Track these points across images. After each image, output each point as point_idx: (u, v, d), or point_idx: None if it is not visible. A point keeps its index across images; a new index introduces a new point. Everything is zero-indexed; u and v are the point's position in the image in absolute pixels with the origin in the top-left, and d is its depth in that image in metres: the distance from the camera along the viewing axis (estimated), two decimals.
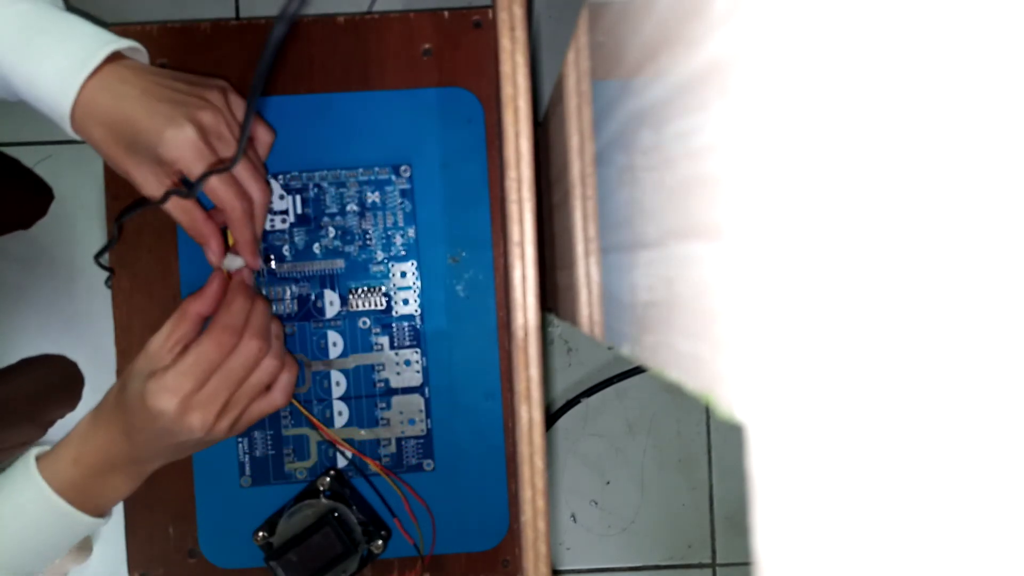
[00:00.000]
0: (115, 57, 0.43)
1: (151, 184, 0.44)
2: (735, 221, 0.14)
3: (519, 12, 0.29)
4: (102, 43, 0.42)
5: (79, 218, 0.74)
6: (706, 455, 0.82)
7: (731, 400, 0.15)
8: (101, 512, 0.46)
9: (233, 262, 0.48)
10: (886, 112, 0.10)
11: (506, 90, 0.30)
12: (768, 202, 0.13)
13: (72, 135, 0.44)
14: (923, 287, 0.09)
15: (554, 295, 0.51)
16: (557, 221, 0.44)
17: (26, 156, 0.74)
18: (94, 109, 0.42)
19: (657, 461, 0.82)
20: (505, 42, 0.29)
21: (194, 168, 0.43)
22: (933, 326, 0.09)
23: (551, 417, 0.77)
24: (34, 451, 0.45)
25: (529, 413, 0.29)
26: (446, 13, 0.54)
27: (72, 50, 0.41)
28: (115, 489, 0.45)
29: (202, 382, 0.43)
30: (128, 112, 0.42)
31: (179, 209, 0.45)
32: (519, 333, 0.29)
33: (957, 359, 0.09)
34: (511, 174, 0.30)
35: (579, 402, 0.77)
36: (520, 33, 0.29)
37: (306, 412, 0.54)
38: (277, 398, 0.47)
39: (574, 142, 0.28)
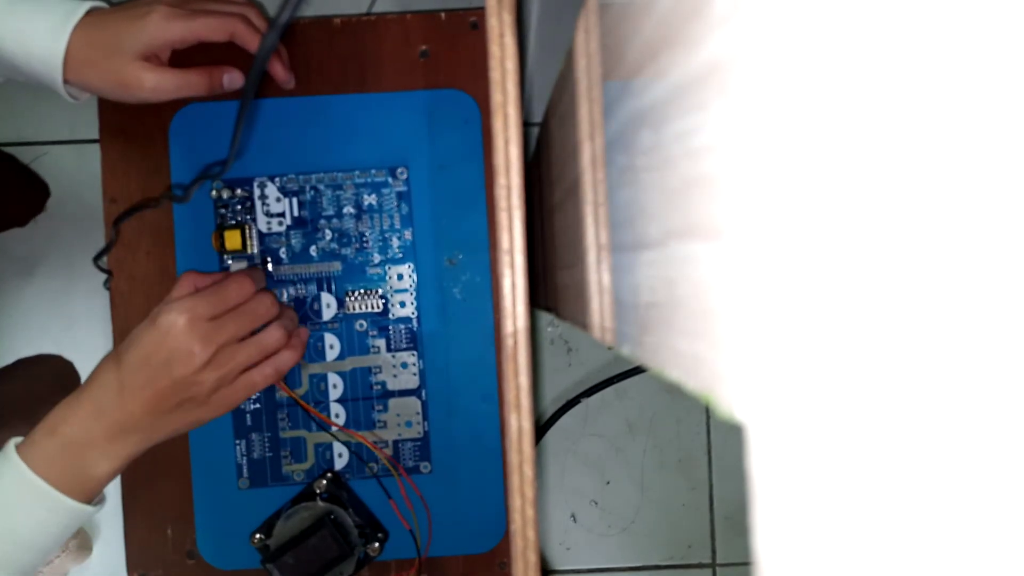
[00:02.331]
0: (87, 13, 0.48)
1: (147, 77, 0.47)
2: (735, 221, 0.15)
3: (508, 19, 0.29)
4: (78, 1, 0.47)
5: (79, 219, 0.74)
6: (706, 455, 0.82)
7: (731, 400, 0.15)
8: (87, 496, 0.44)
9: (239, 264, 0.53)
10: (886, 112, 0.10)
11: (496, 97, 0.29)
12: (767, 202, 0.13)
13: (65, 95, 0.48)
14: (923, 286, 0.09)
15: (555, 295, 0.51)
16: (558, 221, 0.43)
17: (21, 155, 0.74)
18: (81, 51, 0.46)
19: (657, 461, 0.82)
20: (494, 49, 0.29)
21: (175, 33, 0.47)
22: (934, 325, 0.09)
23: (550, 418, 0.77)
24: (14, 440, 0.44)
25: (519, 422, 0.29)
26: (443, 14, 0.54)
27: (54, 9, 0.46)
28: (95, 466, 0.43)
29: (214, 313, 0.44)
30: (107, 32, 0.46)
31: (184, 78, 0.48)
32: (509, 341, 0.29)
33: (958, 359, 0.09)
34: (500, 181, 0.30)
35: (579, 402, 0.77)
36: (509, 40, 0.29)
37: (306, 406, 0.54)
38: (268, 371, 0.47)
39: (585, 148, 0.28)
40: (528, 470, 0.28)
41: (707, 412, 0.81)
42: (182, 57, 0.49)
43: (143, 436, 0.44)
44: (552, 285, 0.50)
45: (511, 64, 0.29)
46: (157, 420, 0.44)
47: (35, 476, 0.42)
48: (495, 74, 0.29)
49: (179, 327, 0.43)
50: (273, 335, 0.47)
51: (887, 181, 0.10)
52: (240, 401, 0.46)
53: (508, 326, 0.30)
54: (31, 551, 0.43)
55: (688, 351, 0.18)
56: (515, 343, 0.29)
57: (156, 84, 0.47)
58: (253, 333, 0.47)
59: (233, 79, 0.50)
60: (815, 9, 0.11)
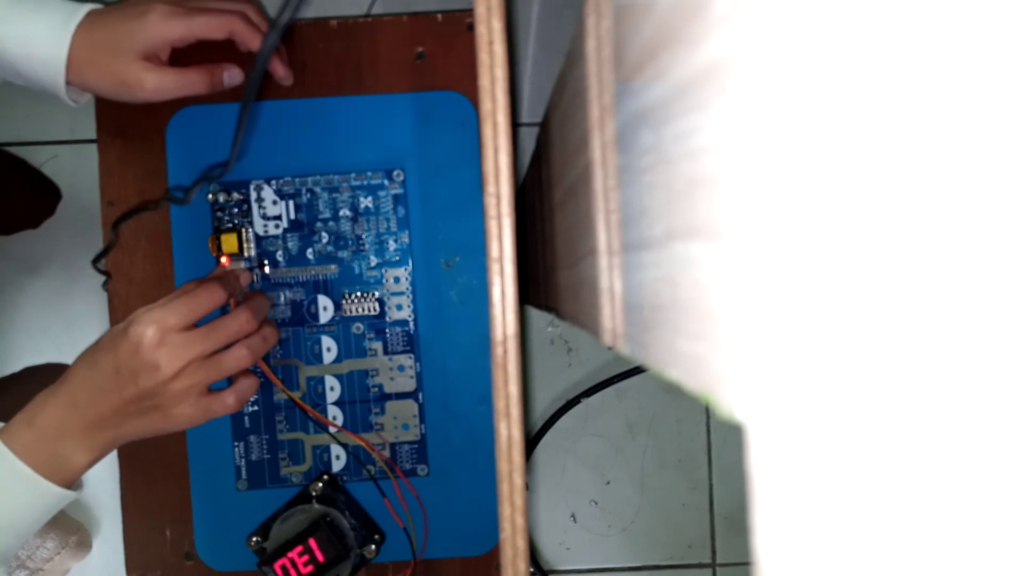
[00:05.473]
0: (87, 14, 0.48)
1: (148, 77, 0.47)
2: (734, 221, 0.15)
3: (498, 26, 0.28)
4: (78, 2, 0.47)
5: (79, 220, 0.74)
6: (706, 455, 0.82)
7: (731, 400, 0.15)
8: (66, 482, 0.45)
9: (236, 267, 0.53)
10: (885, 112, 0.10)
11: (485, 105, 0.29)
12: (767, 202, 0.13)
13: (66, 98, 0.48)
14: (923, 286, 0.09)
15: (555, 295, 0.51)
16: (559, 220, 0.43)
17: (31, 156, 0.74)
18: (82, 52, 0.46)
19: (657, 461, 0.82)
20: (483, 56, 0.29)
21: (175, 32, 0.47)
22: (933, 325, 0.09)
23: (550, 418, 0.77)
24: None
25: (508, 431, 0.29)
26: (439, 16, 0.54)
27: (54, 11, 0.46)
28: (72, 456, 0.44)
29: (185, 324, 0.44)
30: (107, 32, 0.46)
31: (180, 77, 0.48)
32: (498, 350, 0.29)
33: (957, 359, 0.09)
34: (490, 189, 0.30)
35: (579, 402, 0.77)
36: (499, 48, 0.29)
37: (304, 405, 0.54)
38: (229, 401, 0.47)
39: (596, 155, 0.28)
40: (518, 479, 0.28)
41: (707, 412, 0.81)
42: (181, 56, 0.49)
43: (115, 433, 0.45)
44: (552, 285, 0.50)
45: (500, 72, 0.29)
46: (126, 420, 0.45)
47: (22, 464, 0.43)
48: (484, 81, 0.29)
49: (148, 340, 0.43)
50: (235, 358, 0.46)
51: (886, 181, 0.10)
52: (198, 423, 0.46)
53: (498, 334, 0.30)
54: (11, 535, 0.44)
55: (689, 351, 0.18)
56: (505, 351, 0.29)
57: (157, 84, 0.47)
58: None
59: (233, 76, 0.50)
60: (814, 9, 0.11)
